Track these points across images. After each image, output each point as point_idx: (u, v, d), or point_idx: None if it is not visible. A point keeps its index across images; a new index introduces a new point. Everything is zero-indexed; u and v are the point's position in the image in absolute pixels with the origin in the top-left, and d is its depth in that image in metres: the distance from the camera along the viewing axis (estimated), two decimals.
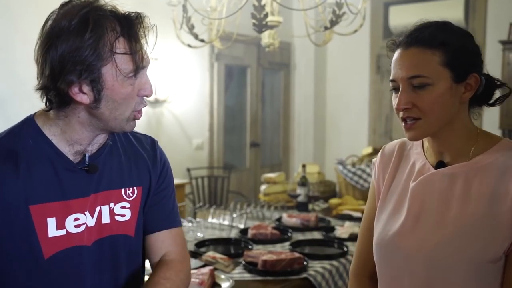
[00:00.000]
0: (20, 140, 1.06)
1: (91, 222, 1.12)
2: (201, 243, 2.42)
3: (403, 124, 1.14)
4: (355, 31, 2.72)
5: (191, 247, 2.35)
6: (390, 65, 1.17)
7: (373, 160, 1.38)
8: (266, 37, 2.73)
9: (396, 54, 1.14)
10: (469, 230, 1.08)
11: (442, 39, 1.09)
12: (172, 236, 1.26)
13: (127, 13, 1.05)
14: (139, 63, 1.04)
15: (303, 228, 2.74)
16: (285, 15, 5.09)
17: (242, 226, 2.74)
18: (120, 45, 1.01)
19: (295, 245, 2.42)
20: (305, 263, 2.12)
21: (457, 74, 1.09)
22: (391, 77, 1.14)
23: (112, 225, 1.15)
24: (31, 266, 1.06)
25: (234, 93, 5.43)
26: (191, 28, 2.52)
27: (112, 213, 1.15)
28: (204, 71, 4.92)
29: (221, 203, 4.79)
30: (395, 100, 1.13)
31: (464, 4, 5.05)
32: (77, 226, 1.10)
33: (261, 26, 2.32)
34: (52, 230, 1.06)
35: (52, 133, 1.08)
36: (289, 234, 2.61)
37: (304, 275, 2.05)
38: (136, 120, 1.11)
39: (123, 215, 1.17)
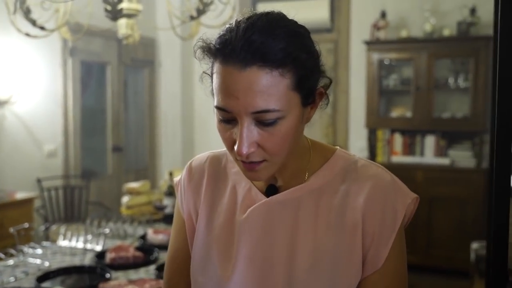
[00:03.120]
0: None
1: None
2: (46, 276, 1.98)
3: (241, 163, 0.84)
4: (224, 23, 2.45)
5: (31, 282, 1.90)
6: (210, 78, 0.84)
7: (175, 180, 1.05)
8: (123, 27, 2.35)
9: (222, 71, 0.78)
10: (316, 267, 0.85)
11: (293, 54, 0.78)
12: None
13: None
14: None
15: None
16: (148, 7, 4.70)
17: (99, 249, 2.33)
18: None
19: (162, 269, 2.09)
20: None
21: (305, 96, 0.82)
22: (219, 105, 0.81)
23: None
24: None
25: (93, 92, 4.91)
26: (26, 12, 2.06)
27: None
28: (55, 68, 4.33)
29: (79, 216, 4.26)
30: (225, 133, 0.84)
31: (329, 4, 5.08)
32: None
33: (115, 12, 1.94)
34: None
35: None
36: (155, 254, 2.26)
37: None
38: None
39: None
